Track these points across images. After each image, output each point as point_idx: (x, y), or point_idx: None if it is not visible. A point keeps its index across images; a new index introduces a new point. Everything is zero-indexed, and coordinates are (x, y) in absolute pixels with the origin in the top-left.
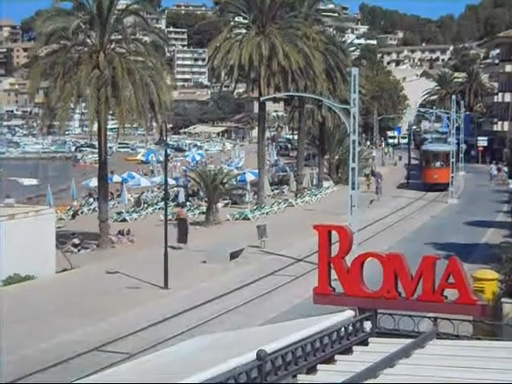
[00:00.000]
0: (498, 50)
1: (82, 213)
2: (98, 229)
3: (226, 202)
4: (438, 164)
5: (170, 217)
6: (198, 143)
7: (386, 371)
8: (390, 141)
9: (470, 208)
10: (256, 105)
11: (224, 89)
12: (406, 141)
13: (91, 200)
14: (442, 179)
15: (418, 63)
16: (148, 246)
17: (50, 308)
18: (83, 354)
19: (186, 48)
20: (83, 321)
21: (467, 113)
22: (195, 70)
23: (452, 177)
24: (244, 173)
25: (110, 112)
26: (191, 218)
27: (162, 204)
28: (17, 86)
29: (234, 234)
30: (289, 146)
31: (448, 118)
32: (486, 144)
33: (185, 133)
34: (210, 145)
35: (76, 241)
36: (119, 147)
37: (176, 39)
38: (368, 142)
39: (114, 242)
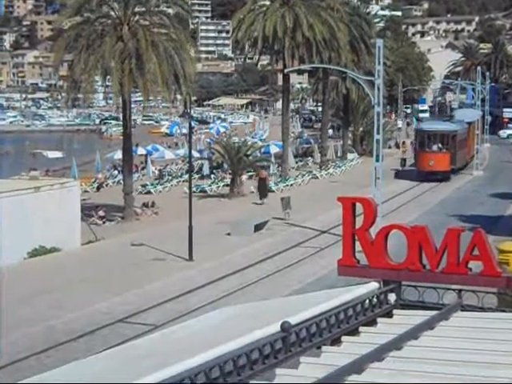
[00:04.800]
0: None
1: (106, 185)
2: (122, 201)
3: (250, 174)
4: (434, 148)
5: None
6: (222, 115)
7: (411, 343)
8: (421, 115)
9: (495, 180)
10: (280, 77)
11: (248, 61)
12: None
13: (116, 172)
14: (440, 167)
15: (443, 34)
16: (172, 218)
17: (75, 280)
18: (109, 325)
19: (209, 20)
20: (108, 292)
21: (492, 84)
22: (219, 42)
23: (477, 149)
24: (268, 145)
25: (135, 84)
26: (215, 191)
27: (186, 176)
28: (41, 59)
29: (258, 206)
30: (313, 117)
31: (473, 90)
32: (511, 116)
33: (209, 105)
34: (234, 117)
35: (101, 213)
36: (143, 120)
37: (200, 11)
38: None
39: (139, 215)
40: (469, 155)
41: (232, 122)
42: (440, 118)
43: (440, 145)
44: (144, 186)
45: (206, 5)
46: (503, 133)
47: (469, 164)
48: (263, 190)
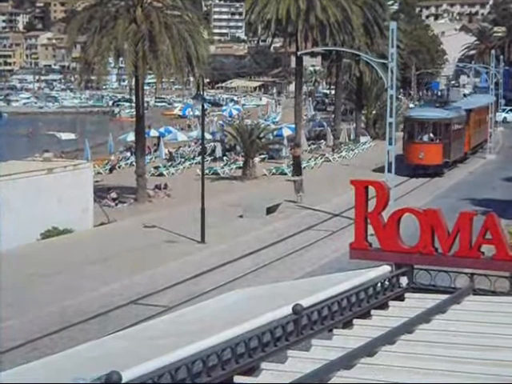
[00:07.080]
0: None
1: (119, 167)
2: (135, 183)
3: (262, 156)
4: (425, 138)
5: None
6: (235, 98)
7: (422, 326)
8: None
9: (508, 164)
10: (293, 59)
11: (261, 43)
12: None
13: (128, 154)
14: (430, 160)
15: (457, 17)
16: (185, 200)
17: (87, 261)
18: (121, 307)
19: (222, 2)
20: (121, 274)
21: (506, 68)
22: (232, 24)
23: (490, 133)
24: (281, 127)
25: (148, 66)
26: (227, 173)
27: (199, 158)
28: (54, 41)
29: (270, 189)
30: (326, 100)
31: (487, 73)
32: None
33: (222, 87)
34: (246, 99)
35: (113, 195)
36: (156, 102)
37: None
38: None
39: (151, 197)
40: (468, 146)
41: (245, 105)
42: (432, 104)
43: (431, 135)
44: (157, 167)
45: None
46: (498, 115)
47: (468, 156)
48: (298, 167)
